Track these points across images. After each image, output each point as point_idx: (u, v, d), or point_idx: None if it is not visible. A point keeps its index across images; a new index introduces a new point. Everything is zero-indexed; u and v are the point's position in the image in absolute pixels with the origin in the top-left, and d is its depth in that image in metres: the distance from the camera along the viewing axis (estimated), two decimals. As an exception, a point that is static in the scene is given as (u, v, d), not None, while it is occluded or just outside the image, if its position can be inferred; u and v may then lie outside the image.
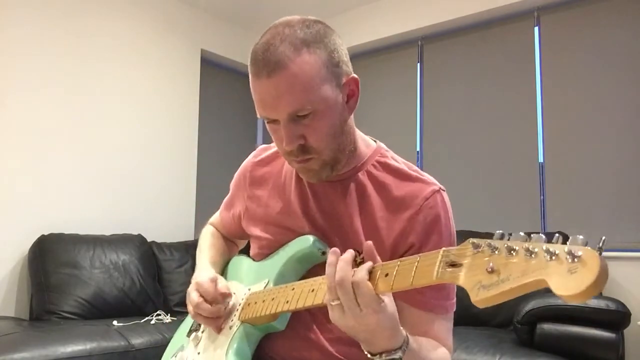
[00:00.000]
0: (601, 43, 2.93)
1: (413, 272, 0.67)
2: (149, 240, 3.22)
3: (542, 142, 3.06)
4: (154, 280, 3.05)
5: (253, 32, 4.21)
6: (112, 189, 3.28)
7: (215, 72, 4.13)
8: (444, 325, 0.91)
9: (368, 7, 3.79)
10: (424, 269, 0.66)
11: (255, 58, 0.84)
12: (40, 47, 2.99)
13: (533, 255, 0.53)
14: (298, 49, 0.83)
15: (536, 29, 3.16)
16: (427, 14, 3.49)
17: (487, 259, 0.57)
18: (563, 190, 2.96)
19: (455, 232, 0.95)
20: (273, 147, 1.09)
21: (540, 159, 3.06)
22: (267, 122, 0.88)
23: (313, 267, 0.95)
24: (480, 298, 0.56)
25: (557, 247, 0.52)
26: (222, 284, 0.99)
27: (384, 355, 0.74)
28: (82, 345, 2.12)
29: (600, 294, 2.56)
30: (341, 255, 0.76)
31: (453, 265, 0.62)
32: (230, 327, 0.95)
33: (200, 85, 3.89)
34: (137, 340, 2.31)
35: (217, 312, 0.95)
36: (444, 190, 0.94)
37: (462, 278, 0.59)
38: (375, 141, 1.02)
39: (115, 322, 2.47)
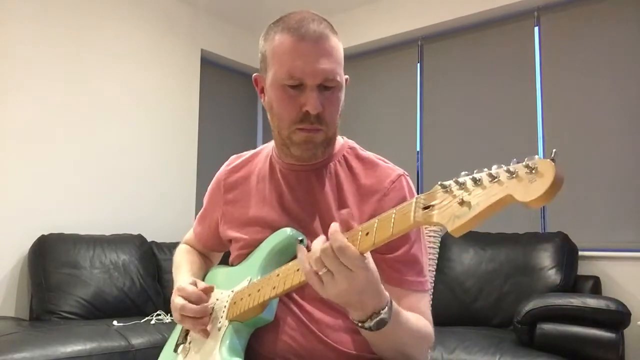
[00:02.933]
0: (601, 43, 2.93)
1: (392, 223, 0.70)
2: (149, 240, 3.22)
3: (542, 142, 3.06)
4: (154, 280, 3.05)
5: (253, 32, 4.21)
6: (112, 189, 3.28)
7: (215, 72, 4.13)
8: (423, 301, 0.96)
9: (368, 7, 3.79)
10: (401, 217, 0.69)
11: (298, 25, 0.91)
12: (40, 46, 2.99)
13: (496, 179, 0.57)
14: (332, 31, 0.94)
15: (536, 29, 3.16)
16: (427, 14, 3.49)
17: (456, 194, 0.61)
18: (563, 190, 2.95)
19: None
20: (244, 155, 1.15)
21: (540, 159, 3.05)
22: (289, 87, 0.91)
23: (293, 258, 0.96)
24: (456, 226, 0.59)
25: (517, 166, 0.55)
26: (202, 283, 1.02)
27: (373, 317, 0.78)
28: (82, 345, 2.12)
29: (600, 293, 2.57)
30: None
31: (427, 208, 0.65)
32: (219, 329, 0.95)
33: (200, 85, 3.89)
34: (137, 340, 2.31)
35: (203, 311, 0.96)
36: (408, 175, 1.02)
37: (436, 216, 0.63)
38: (342, 137, 1.08)
39: (115, 322, 2.47)
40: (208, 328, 0.97)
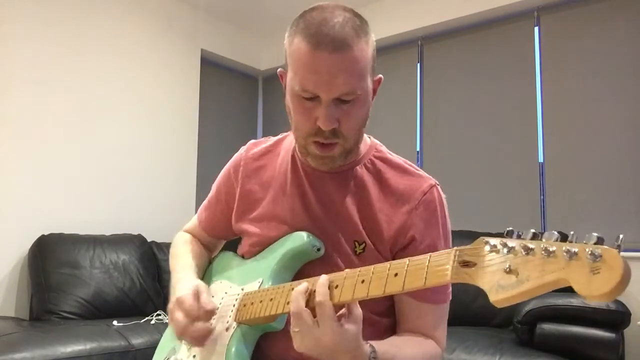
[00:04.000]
0: (601, 43, 2.93)
1: (425, 273, 0.65)
2: (149, 240, 3.21)
3: (542, 142, 3.06)
4: (154, 280, 3.05)
5: (253, 32, 4.21)
6: (112, 189, 3.28)
7: (215, 72, 4.13)
8: (440, 314, 0.93)
9: (368, 7, 3.79)
10: (437, 269, 0.64)
11: (317, 29, 0.81)
12: (40, 46, 2.99)
13: (551, 255, 0.52)
14: (359, 35, 0.84)
15: (536, 29, 3.16)
16: (427, 14, 3.49)
17: (503, 258, 0.56)
18: (563, 190, 2.96)
19: (450, 225, 0.98)
20: (264, 142, 1.09)
21: (540, 159, 3.06)
22: (304, 99, 0.84)
23: (307, 264, 0.94)
24: (500, 298, 0.54)
25: (577, 247, 0.51)
26: (205, 297, 0.92)
27: None
28: (82, 345, 2.12)
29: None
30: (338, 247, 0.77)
31: (466, 264, 0.61)
32: (227, 329, 0.92)
33: (200, 85, 3.89)
34: (137, 340, 2.31)
35: (204, 331, 0.89)
36: (439, 185, 0.97)
37: (480, 278, 0.58)
38: (369, 137, 1.03)
39: (115, 322, 2.47)
40: (214, 324, 0.93)
